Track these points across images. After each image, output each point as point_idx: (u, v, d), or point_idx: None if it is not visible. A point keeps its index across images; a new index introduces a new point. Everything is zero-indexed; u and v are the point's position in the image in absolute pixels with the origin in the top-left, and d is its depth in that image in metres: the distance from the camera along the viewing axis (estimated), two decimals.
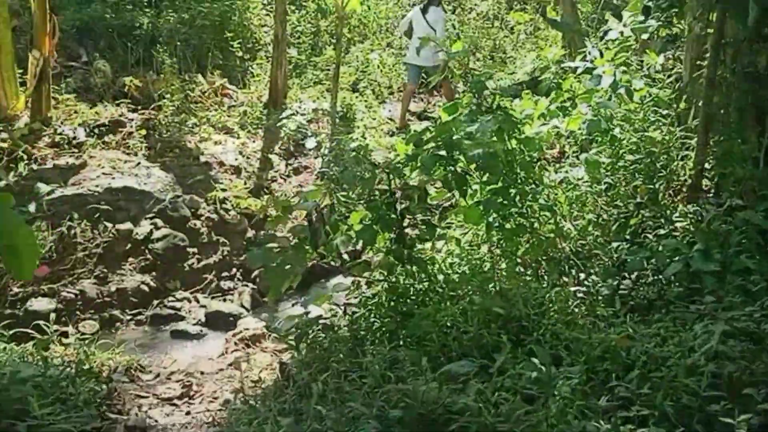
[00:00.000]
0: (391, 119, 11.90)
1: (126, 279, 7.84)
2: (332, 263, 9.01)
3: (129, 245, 8.04)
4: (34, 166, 8.85)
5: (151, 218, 8.34)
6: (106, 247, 7.91)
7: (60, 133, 9.38)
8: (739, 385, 3.21)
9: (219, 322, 7.56)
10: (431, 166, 4.70)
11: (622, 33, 7.76)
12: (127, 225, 8.13)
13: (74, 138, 9.39)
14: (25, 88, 9.62)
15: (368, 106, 11.66)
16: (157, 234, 8.18)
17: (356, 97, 11.78)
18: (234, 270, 8.46)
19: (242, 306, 7.90)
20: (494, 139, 4.67)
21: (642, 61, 7.09)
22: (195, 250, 8.34)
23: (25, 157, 8.78)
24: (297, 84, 12.03)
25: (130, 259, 8.00)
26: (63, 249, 7.71)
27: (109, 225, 8.02)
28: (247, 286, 8.29)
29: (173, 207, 8.46)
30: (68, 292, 7.46)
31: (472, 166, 4.66)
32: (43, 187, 7.92)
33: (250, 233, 8.77)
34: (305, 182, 9.84)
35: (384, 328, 4.22)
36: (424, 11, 11.19)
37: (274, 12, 11.73)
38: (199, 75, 11.41)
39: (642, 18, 7.52)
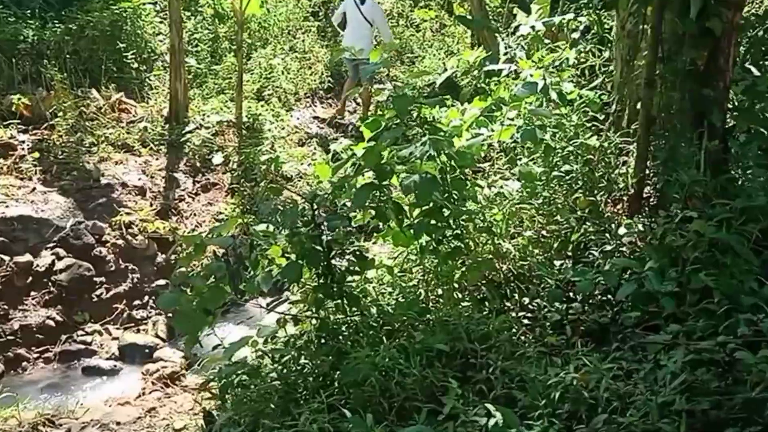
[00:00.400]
0: (298, 127, 11.71)
1: (30, 315, 7.37)
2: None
3: (30, 278, 7.56)
4: None
5: (51, 248, 7.86)
6: (4, 281, 7.39)
7: None
8: (719, 423, 2.98)
9: (134, 354, 7.23)
10: (364, 197, 4.50)
11: (533, 28, 7.74)
12: (26, 257, 7.63)
13: None
14: None
15: (275, 114, 11.42)
16: (59, 264, 7.71)
17: (262, 105, 11.51)
18: (146, 298, 8.10)
19: (158, 336, 7.59)
20: (427, 162, 4.50)
21: (566, 59, 7.00)
22: (102, 279, 7.93)
23: None
24: (198, 95, 11.62)
25: (33, 293, 7.52)
26: None
27: (6, 258, 7.49)
28: (161, 314, 7.95)
29: (75, 234, 8.00)
30: None
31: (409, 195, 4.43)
32: None
33: (160, 257, 8.41)
34: (215, 200, 9.54)
35: (317, 371, 4.05)
36: (361, 1, 11.03)
37: (168, 20, 11.30)
38: (93, 90, 10.83)
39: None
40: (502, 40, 9.74)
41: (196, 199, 9.47)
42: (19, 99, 9.77)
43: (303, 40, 13.94)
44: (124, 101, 10.96)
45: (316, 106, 12.88)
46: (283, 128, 11.22)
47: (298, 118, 12.13)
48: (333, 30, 14.36)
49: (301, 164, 10.55)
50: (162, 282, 8.20)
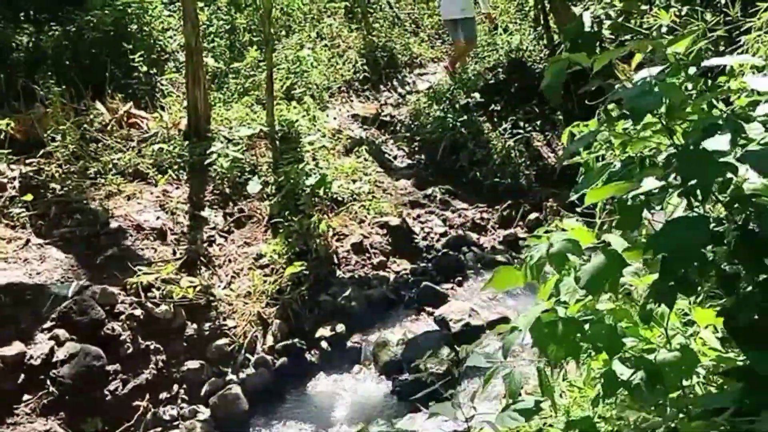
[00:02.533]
0: (339, 130, 9.45)
1: (22, 428, 5.26)
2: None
3: (22, 376, 5.45)
4: None
5: (49, 329, 5.74)
6: None
7: None
8: None
9: None
10: None
11: None
12: (17, 346, 5.52)
13: None
14: None
15: (311, 118, 9.16)
16: (60, 353, 5.60)
17: (294, 107, 9.25)
18: (175, 387, 5.98)
19: None
20: None
21: None
22: (117, 367, 5.81)
23: None
24: (219, 99, 9.38)
25: (26, 397, 5.43)
26: None
27: None
28: (197, 410, 5.84)
29: (80, 307, 5.87)
30: None
31: None
32: None
33: (191, 329, 6.27)
34: (252, 239, 7.35)
35: None
36: None
37: (180, 13, 9.02)
38: (97, 102, 8.61)
39: None
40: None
41: (229, 239, 7.29)
42: (7, 123, 7.54)
43: (330, 25, 11.62)
44: (133, 113, 8.74)
45: (352, 101, 10.59)
46: (323, 134, 8.96)
47: (335, 118, 9.89)
48: (362, 10, 12.06)
49: (353, 181, 8.31)
50: (195, 364, 6.08)
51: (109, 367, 5.76)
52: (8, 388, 5.36)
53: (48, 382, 5.48)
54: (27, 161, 7.54)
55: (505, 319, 6.98)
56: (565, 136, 3.91)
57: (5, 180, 7.09)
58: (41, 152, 7.66)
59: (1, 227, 6.66)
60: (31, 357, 5.52)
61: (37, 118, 7.83)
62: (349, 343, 6.75)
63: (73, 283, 6.13)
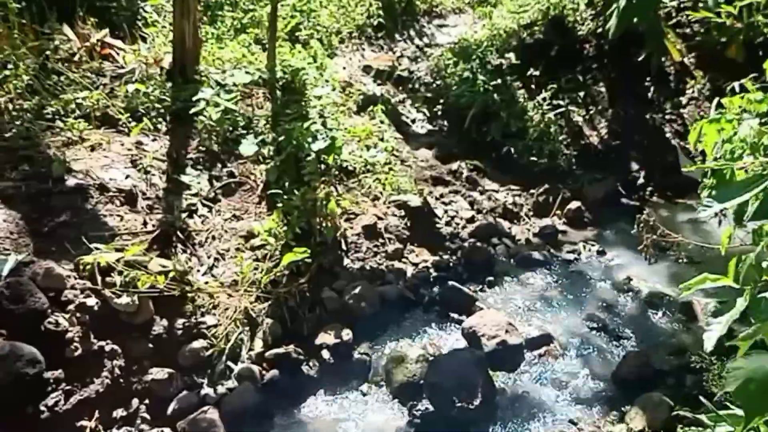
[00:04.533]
0: (350, 83, 7.96)
1: None
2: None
3: None
4: None
5: None
6: None
7: None
8: None
9: None
10: None
11: None
12: None
13: None
14: None
15: (318, 66, 7.64)
16: None
17: (299, 51, 7.72)
18: (134, 403, 4.59)
19: None
20: None
21: None
22: (58, 374, 4.41)
23: None
24: (212, 34, 7.82)
25: None
26: None
27: None
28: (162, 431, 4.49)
29: (15, 291, 4.43)
30: None
31: None
32: None
33: (159, 326, 4.86)
34: (243, 210, 5.92)
35: None
36: None
37: None
38: (65, 25, 7.03)
39: None
40: None
41: (214, 210, 5.83)
42: None
43: None
44: (108, 43, 7.18)
45: (364, 49, 9.07)
46: (332, 86, 7.46)
47: (345, 68, 8.39)
48: None
49: (366, 147, 6.86)
50: (162, 373, 4.70)
51: (48, 374, 4.35)
52: None
53: None
54: None
55: (547, 337, 5.71)
56: (694, 135, 2.96)
57: None
58: None
59: None
60: None
61: None
62: (356, 355, 5.41)
63: (10, 257, 4.67)
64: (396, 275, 6.06)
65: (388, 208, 6.44)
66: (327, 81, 7.35)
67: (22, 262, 4.69)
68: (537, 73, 8.69)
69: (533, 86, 8.55)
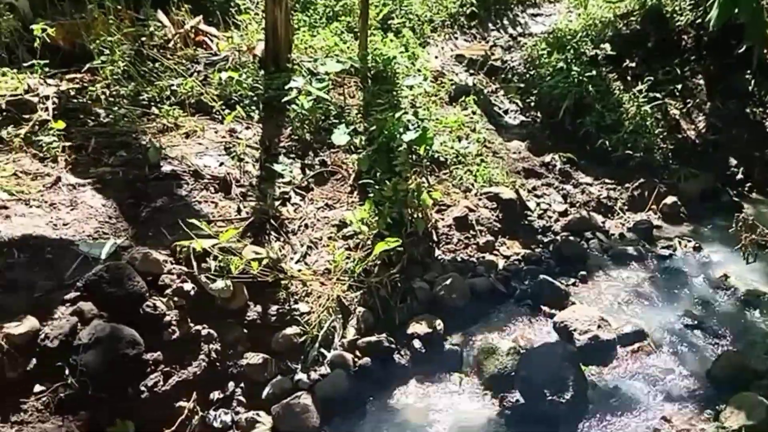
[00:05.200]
0: (442, 72, 7.80)
1: (30, 429, 3.94)
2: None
3: (34, 362, 4.11)
4: None
5: (72, 301, 4.36)
6: None
7: None
8: None
9: None
10: None
11: None
12: (29, 322, 4.16)
13: None
14: None
15: (410, 55, 7.50)
16: (84, 334, 4.22)
17: (391, 40, 7.61)
18: (230, 386, 4.59)
19: None
20: None
21: None
22: (157, 356, 4.43)
23: None
24: (304, 22, 7.80)
25: (38, 389, 4.08)
26: None
27: None
28: (257, 418, 4.45)
29: (114, 275, 4.47)
30: None
31: None
32: None
33: (253, 312, 4.84)
34: (335, 200, 5.85)
35: None
36: None
37: None
38: (160, 12, 7.13)
39: None
40: None
41: (307, 198, 5.78)
42: (43, 29, 6.09)
43: None
44: (201, 30, 7.26)
45: (457, 38, 8.88)
46: (423, 76, 7.31)
47: (437, 57, 8.22)
48: None
49: (458, 139, 6.70)
50: (257, 358, 4.68)
51: (148, 356, 4.38)
52: (15, 376, 4.03)
53: (67, 370, 4.12)
54: (67, 77, 6.15)
55: (640, 333, 5.44)
56: None
57: (37, 99, 5.70)
58: (86, 67, 6.26)
59: (26, 158, 5.29)
60: (47, 337, 4.16)
61: (86, 24, 6.39)
62: (447, 345, 5.26)
63: (109, 241, 4.73)
64: (487, 267, 5.88)
65: (480, 200, 6.26)
66: (419, 70, 7.21)
67: (120, 247, 4.75)
68: (633, 64, 8.32)
69: (629, 78, 8.19)
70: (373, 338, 5.04)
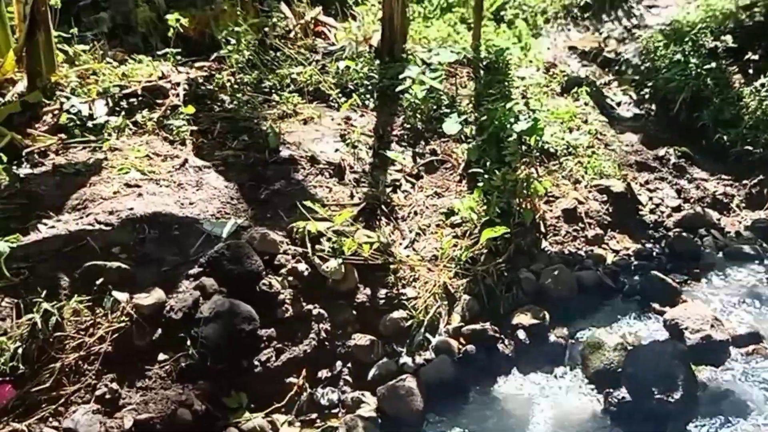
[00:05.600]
0: (553, 64, 7.36)
1: (152, 398, 3.96)
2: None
3: (159, 332, 4.12)
4: (24, 170, 4.93)
5: (195, 276, 4.36)
6: (116, 340, 4.00)
7: (69, 111, 5.38)
8: None
9: None
10: None
11: None
12: (156, 293, 4.18)
13: (90, 117, 5.40)
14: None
15: (522, 46, 7.12)
16: (205, 308, 4.21)
17: (504, 31, 7.25)
18: (338, 365, 4.46)
19: None
20: None
21: None
22: (271, 332, 4.36)
23: (5, 156, 4.86)
24: (419, 13, 7.57)
25: (162, 357, 4.09)
26: (39, 352, 3.85)
27: (123, 298, 4.07)
28: (362, 398, 4.31)
29: (234, 253, 4.43)
30: None
31: None
32: None
33: (362, 294, 4.69)
34: (444, 188, 5.61)
35: None
36: None
37: None
38: (282, 3, 7.10)
39: None
40: None
41: (417, 186, 5.58)
42: (177, 20, 6.16)
43: None
44: (321, 21, 7.17)
45: (569, 30, 8.39)
46: (536, 66, 6.92)
47: (549, 48, 7.79)
48: None
49: (569, 130, 6.29)
50: (365, 339, 4.53)
51: (262, 332, 4.32)
52: (142, 344, 4.06)
53: (188, 341, 4.12)
54: (196, 65, 6.20)
55: (756, 336, 4.92)
56: None
57: (169, 85, 5.76)
58: (213, 56, 6.30)
59: (158, 140, 5.36)
60: (172, 309, 4.17)
61: (214, 15, 6.43)
62: (552, 337, 4.93)
63: (230, 221, 4.71)
64: (595, 261, 5.48)
65: (590, 192, 5.85)
66: (531, 61, 6.84)
67: (240, 227, 4.71)
68: (755, 57, 7.57)
69: (750, 71, 7.45)
70: (477, 326, 4.79)
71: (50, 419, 3.73)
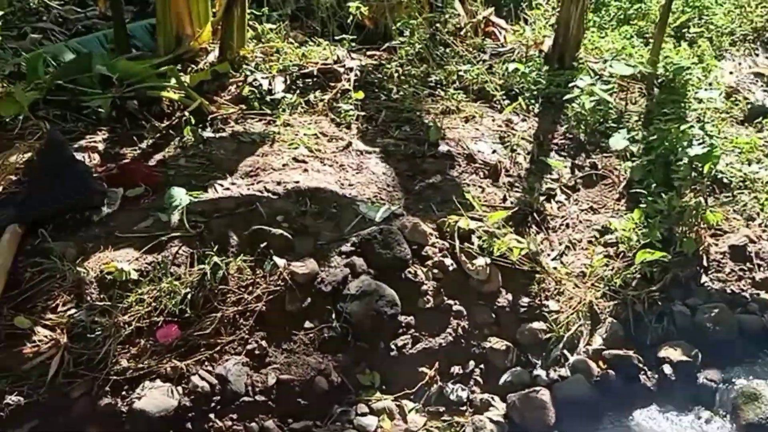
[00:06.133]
0: (736, 89, 7.11)
1: (295, 362, 4.36)
2: None
3: (308, 301, 4.51)
4: (207, 133, 5.54)
5: (347, 254, 4.72)
6: (270, 301, 4.44)
7: (251, 84, 5.97)
8: None
9: None
10: None
11: None
12: (310, 265, 4.58)
13: (269, 92, 5.94)
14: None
15: (704, 67, 6.94)
16: (352, 286, 4.55)
17: (683, 49, 7.10)
18: (471, 364, 4.65)
19: None
20: None
21: None
22: (410, 320, 4.64)
23: (193, 119, 5.49)
24: (594, 23, 7.57)
25: (308, 325, 4.48)
26: (204, 301, 4.35)
27: (281, 263, 4.50)
28: (491, 401, 4.48)
29: (385, 238, 4.75)
30: (202, 380, 4.14)
31: None
32: (177, 195, 4.51)
33: (504, 299, 4.85)
34: (602, 204, 5.63)
35: None
36: None
37: None
38: (456, 1, 7.37)
39: None
40: None
41: (572, 198, 5.65)
42: (358, 8, 6.60)
43: None
44: (492, 21, 7.36)
45: (757, 55, 8.02)
46: (716, 89, 6.71)
47: (732, 73, 7.49)
48: None
49: (747, 162, 6.08)
50: (501, 344, 4.69)
51: (402, 318, 4.61)
52: (293, 309, 4.47)
53: (333, 315, 4.49)
54: (369, 53, 6.61)
55: None
56: None
57: (342, 69, 6.19)
58: (385, 46, 6.68)
59: (326, 121, 5.80)
60: (322, 281, 4.55)
61: (390, 6, 6.81)
62: (701, 378, 4.82)
63: (384, 206, 5.03)
64: (762, 306, 5.24)
65: (764, 231, 5.63)
66: (711, 84, 6.65)
67: (393, 213, 5.02)
68: None
69: None
70: (620, 352, 4.79)
71: (206, 363, 4.22)
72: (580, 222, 5.42)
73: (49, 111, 5.45)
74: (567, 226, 5.38)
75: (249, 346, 4.33)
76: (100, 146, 5.33)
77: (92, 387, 3.96)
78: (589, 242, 5.29)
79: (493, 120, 6.10)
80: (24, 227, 4.51)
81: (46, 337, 4.08)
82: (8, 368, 3.96)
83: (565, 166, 5.73)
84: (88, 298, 4.23)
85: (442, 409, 4.45)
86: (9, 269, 4.26)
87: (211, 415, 4.11)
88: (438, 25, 6.98)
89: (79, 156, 5.08)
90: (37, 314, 4.15)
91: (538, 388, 4.49)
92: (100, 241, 4.52)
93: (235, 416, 4.14)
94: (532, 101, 6.27)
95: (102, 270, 4.28)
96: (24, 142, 5.20)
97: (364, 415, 4.31)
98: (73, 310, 4.17)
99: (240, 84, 5.99)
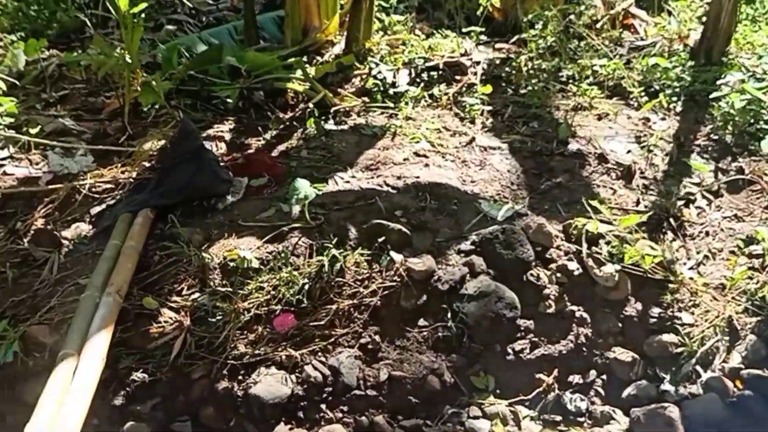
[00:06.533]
0: None
1: (408, 359, 4.42)
2: None
3: (424, 298, 4.56)
4: (330, 125, 5.73)
5: (466, 253, 4.72)
6: (385, 297, 4.52)
7: (375, 76, 6.09)
8: None
9: None
10: None
11: None
12: (427, 262, 4.62)
13: (393, 85, 6.05)
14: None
15: None
16: (470, 286, 4.55)
17: None
18: (592, 374, 4.53)
19: None
20: None
21: None
22: (529, 324, 4.57)
23: (317, 111, 5.69)
24: (747, 15, 7.13)
25: (422, 323, 4.53)
26: (320, 292, 4.50)
27: (398, 259, 4.58)
28: (612, 415, 4.35)
29: (507, 238, 4.71)
30: (315, 370, 4.29)
31: None
32: (302, 188, 4.67)
33: (632, 308, 4.68)
34: (747, 213, 5.30)
35: None
36: None
37: None
38: None
39: None
40: None
41: (714, 205, 5.35)
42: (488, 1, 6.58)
43: None
44: (631, 13, 7.11)
45: None
46: None
47: None
48: None
49: None
50: (626, 355, 4.53)
51: (521, 322, 4.56)
52: (407, 306, 4.53)
53: (449, 314, 4.51)
54: (497, 46, 6.56)
55: None
56: None
57: (469, 62, 6.19)
58: (514, 39, 6.61)
59: (449, 115, 5.82)
60: (439, 279, 4.58)
61: None
62: None
63: (507, 205, 4.98)
64: None
65: None
66: None
67: (517, 213, 4.96)
68: None
69: None
70: (762, 372, 4.49)
71: (319, 354, 4.36)
72: (722, 230, 5.12)
73: (181, 100, 5.83)
74: (707, 233, 5.11)
75: (362, 340, 4.44)
76: (227, 136, 5.63)
77: (211, 369, 4.20)
78: (731, 252, 4.99)
79: (629, 118, 5.88)
80: (155, 212, 4.86)
81: (171, 318, 4.37)
82: (136, 346, 4.27)
83: (709, 170, 5.43)
84: (211, 284, 4.49)
85: (558, 418, 4.36)
86: (141, 252, 4.60)
87: (323, 406, 4.24)
88: (572, 17, 6.82)
89: (207, 145, 5.40)
90: (164, 296, 4.45)
91: (665, 405, 4.30)
92: (224, 228, 4.78)
93: (345, 408, 4.25)
94: (674, 99, 5.99)
95: (225, 257, 4.53)
96: (158, 129, 5.59)
97: (476, 418, 4.30)
98: (196, 294, 4.44)
99: (364, 76, 6.13)
